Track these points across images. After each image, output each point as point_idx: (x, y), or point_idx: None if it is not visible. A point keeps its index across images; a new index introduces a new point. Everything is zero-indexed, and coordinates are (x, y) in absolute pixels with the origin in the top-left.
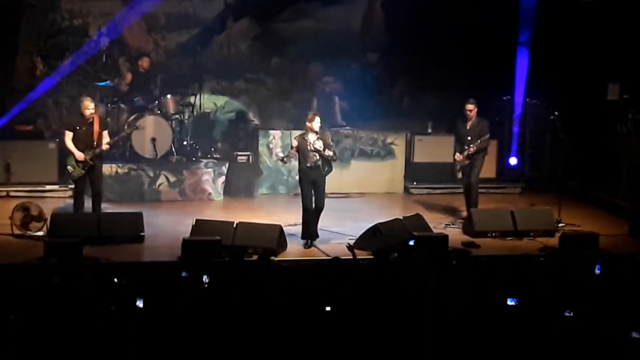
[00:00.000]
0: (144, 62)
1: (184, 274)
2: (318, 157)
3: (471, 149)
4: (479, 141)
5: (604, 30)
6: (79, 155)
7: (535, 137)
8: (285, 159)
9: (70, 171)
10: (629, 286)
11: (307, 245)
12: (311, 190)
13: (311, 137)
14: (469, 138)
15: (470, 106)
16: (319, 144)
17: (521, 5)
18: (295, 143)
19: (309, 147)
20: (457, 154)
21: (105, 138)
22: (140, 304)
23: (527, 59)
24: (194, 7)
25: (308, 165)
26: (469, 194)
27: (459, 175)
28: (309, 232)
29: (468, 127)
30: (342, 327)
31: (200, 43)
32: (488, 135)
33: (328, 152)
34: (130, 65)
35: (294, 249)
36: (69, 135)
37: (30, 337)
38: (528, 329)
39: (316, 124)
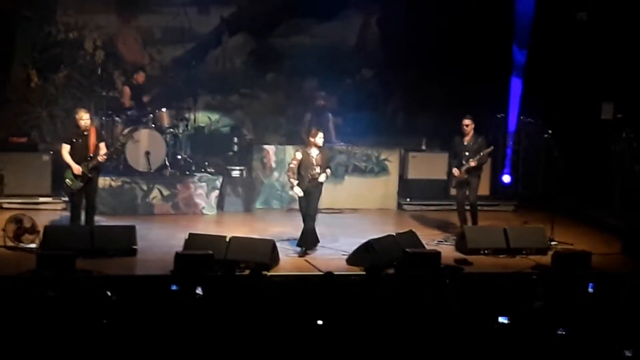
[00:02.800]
0: (140, 77)
1: (174, 288)
2: (319, 171)
3: (471, 163)
4: (480, 154)
5: (598, 48)
6: (76, 168)
7: (529, 155)
8: (293, 184)
9: (69, 184)
10: (621, 304)
11: (301, 254)
12: (304, 201)
13: (314, 152)
14: (467, 153)
15: (467, 121)
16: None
17: (516, 23)
18: (299, 156)
19: (312, 162)
20: (455, 169)
21: (102, 150)
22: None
23: (522, 77)
24: (189, 21)
25: (309, 178)
26: (472, 212)
27: (454, 191)
28: (305, 240)
29: (465, 143)
30: (333, 341)
31: (196, 57)
32: (492, 148)
33: (324, 174)
34: (125, 79)
35: (287, 264)
36: (65, 148)
37: (22, 349)
38: (520, 347)
39: (319, 139)
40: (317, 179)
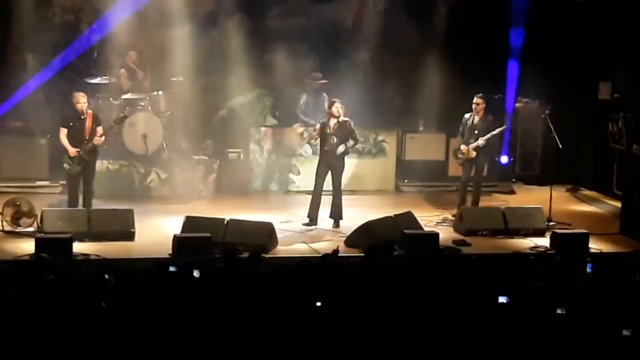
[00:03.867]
0: (132, 56)
1: (172, 269)
2: (336, 142)
3: (480, 142)
4: (491, 134)
5: (595, 29)
6: (72, 150)
7: (527, 136)
8: (311, 141)
9: (67, 168)
10: (620, 284)
11: (308, 224)
12: (325, 174)
13: (332, 122)
14: (477, 132)
15: (478, 100)
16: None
17: (512, 5)
18: (318, 126)
19: (328, 131)
20: (463, 145)
21: (99, 133)
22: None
23: (519, 58)
24: (185, 3)
25: (326, 149)
26: (475, 193)
27: (452, 170)
28: (312, 211)
29: (475, 122)
30: (332, 323)
31: (192, 39)
32: (503, 127)
33: (343, 145)
34: (121, 62)
35: (285, 247)
36: (63, 132)
37: (19, 333)
38: (520, 327)
39: (334, 109)
40: (335, 151)
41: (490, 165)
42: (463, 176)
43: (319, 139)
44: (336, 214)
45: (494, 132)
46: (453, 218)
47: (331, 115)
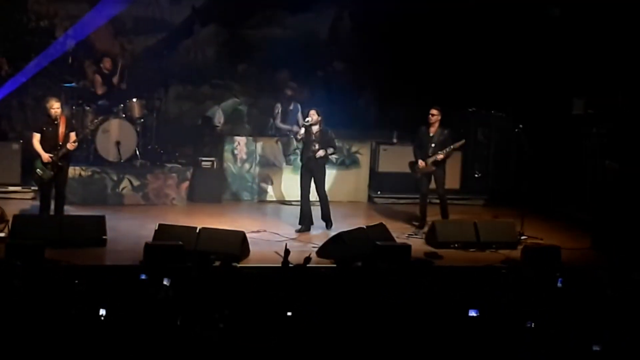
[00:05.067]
0: (107, 63)
1: (143, 277)
2: (318, 147)
3: (439, 156)
4: (450, 147)
5: (570, 44)
6: (45, 156)
7: (500, 150)
8: (298, 138)
9: (39, 174)
10: (590, 299)
11: (301, 230)
12: (309, 180)
13: (314, 128)
14: (433, 145)
15: (434, 111)
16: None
17: (488, 18)
18: (302, 131)
19: (312, 138)
20: (421, 161)
21: (72, 139)
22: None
23: (494, 71)
24: (161, 11)
25: (309, 155)
26: (442, 205)
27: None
28: (304, 219)
29: (431, 134)
30: (303, 333)
31: (167, 47)
32: (463, 141)
33: (322, 150)
34: (95, 68)
35: (257, 256)
36: (36, 137)
37: None
38: (489, 340)
39: (308, 117)
40: (315, 154)
41: (463, 179)
42: (423, 189)
43: (301, 146)
44: (327, 219)
45: (453, 146)
46: (425, 231)
47: (312, 122)
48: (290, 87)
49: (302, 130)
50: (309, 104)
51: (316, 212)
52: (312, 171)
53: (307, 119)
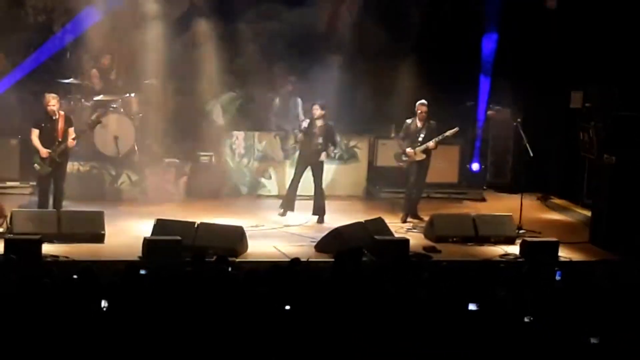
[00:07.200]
0: (105, 60)
1: (142, 272)
2: (321, 142)
3: (430, 144)
4: (444, 134)
5: (567, 37)
6: (44, 151)
7: (498, 143)
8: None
9: (37, 169)
10: (588, 293)
11: (282, 214)
12: (303, 171)
13: (318, 122)
14: (422, 135)
15: (422, 104)
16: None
17: (486, 12)
18: (305, 124)
19: (316, 132)
20: (409, 149)
21: (71, 135)
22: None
23: (491, 65)
24: (158, 5)
25: (311, 148)
26: (416, 199)
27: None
28: (286, 202)
29: (419, 126)
30: (301, 327)
31: (164, 42)
32: (457, 129)
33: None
34: (93, 63)
35: (256, 251)
36: (35, 133)
37: None
38: (488, 334)
39: (314, 112)
40: (318, 153)
41: (461, 172)
42: (411, 179)
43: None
44: (319, 213)
45: (447, 134)
46: (423, 225)
47: (315, 117)
48: (290, 82)
49: (306, 123)
50: (308, 98)
51: (308, 206)
52: (310, 164)
53: (305, 122)
